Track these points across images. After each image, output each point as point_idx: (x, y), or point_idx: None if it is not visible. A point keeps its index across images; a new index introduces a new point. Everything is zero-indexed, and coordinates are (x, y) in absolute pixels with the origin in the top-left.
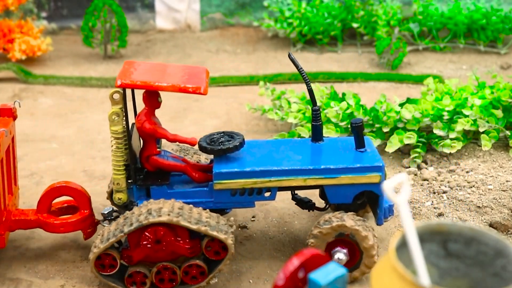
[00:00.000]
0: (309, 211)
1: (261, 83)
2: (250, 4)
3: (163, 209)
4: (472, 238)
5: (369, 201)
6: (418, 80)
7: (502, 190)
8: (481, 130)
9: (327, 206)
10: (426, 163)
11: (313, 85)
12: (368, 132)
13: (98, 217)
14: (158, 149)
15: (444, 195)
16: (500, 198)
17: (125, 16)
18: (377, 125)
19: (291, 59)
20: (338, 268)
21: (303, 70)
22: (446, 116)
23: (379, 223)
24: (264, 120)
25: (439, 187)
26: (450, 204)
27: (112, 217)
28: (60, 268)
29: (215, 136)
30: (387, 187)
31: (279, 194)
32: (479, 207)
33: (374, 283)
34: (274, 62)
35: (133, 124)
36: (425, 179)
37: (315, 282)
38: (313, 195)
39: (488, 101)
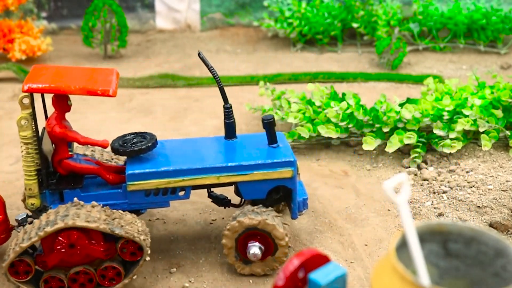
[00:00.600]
0: (225, 208)
1: (261, 83)
2: (250, 4)
3: (81, 214)
4: (472, 238)
5: (284, 195)
6: (418, 80)
7: (502, 190)
8: (481, 130)
9: (243, 202)
10: (426, 163)
11: (313, 85)
12: (368, 132)
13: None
14: (70, 153)
15: (444, 195)
16: (500, 198)
17: (125, 16)
18: (377, 125)
19: (201, 58)
20: (338, 268)
21: (213, 69)
22: (446, 116)
23: (293, 217)
24: None
25: (439, 187)
26: (450, 204)
27: (26, 223)
28: None
29: (127, 138)
30: (387, 187)
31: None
32: (479, 207)
33: (374, 283)
34: (274, 62)
35: (43, 128)
36: (425, 179)
37: (315, 282)
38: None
39: (488, 101)
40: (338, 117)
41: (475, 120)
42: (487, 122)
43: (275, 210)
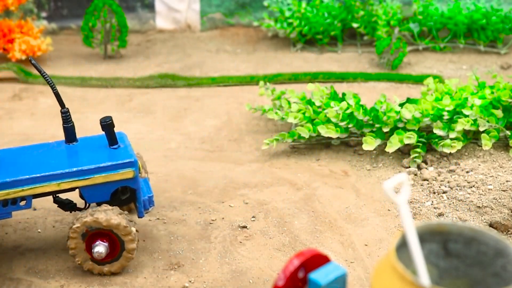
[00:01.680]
0: (71, 212)
1: (261, 83)
2: (250, 4)
3: None
4: (472, 238)
5: (131, 195)
6: (418, 80)
7: (502, 190)
8: (481, 129)
9: (88, 205)
10: (426, 163)
11: (313, 85)
12: (368, 132)
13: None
14: None
15: (444, 195)
16: (500, 198)
17: (125, 16)
18: (377, 125)
19: (33, 64)
20: (338, 268)
21: (46, 74)
22: (446, 116)
23: (139, 215)
24: (264, 120)
25: (439, 187)
26: (450, 204)
27: None
28: (60, 268)
29: None
30: (387, 187)
31: (278, 194)
32: (479, 207)
33: (374, 283)
34: (274, 62)
35: None
36: (425, 179)
37: (315, 282)
38: None
39: (488, 101)
40: (338, 117)
41: (475, 120)
42: (487, 122)
43: (126, 210)
